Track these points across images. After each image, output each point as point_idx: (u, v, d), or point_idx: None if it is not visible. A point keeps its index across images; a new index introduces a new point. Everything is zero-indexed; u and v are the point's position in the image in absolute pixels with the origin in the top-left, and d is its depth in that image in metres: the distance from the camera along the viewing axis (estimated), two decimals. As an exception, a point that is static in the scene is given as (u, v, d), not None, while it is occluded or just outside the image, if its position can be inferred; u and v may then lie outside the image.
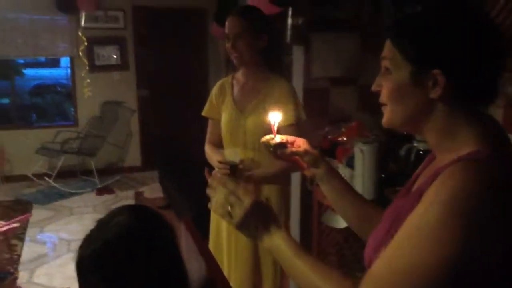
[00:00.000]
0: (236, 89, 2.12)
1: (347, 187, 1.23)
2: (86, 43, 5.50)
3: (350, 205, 1.20)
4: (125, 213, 1.01)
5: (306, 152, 1.23)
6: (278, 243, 0.96)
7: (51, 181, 5.41)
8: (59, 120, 7.97)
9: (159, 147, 5.99)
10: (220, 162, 1.89)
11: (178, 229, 1.23)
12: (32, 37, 5.62)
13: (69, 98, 6.22)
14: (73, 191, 5.33)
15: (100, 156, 5.77)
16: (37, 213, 4.70)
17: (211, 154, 2.14)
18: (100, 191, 5.33)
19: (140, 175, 5.93)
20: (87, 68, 5.70)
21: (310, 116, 2.15)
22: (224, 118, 2.12)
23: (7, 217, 3.91)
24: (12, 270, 3.27)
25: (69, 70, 6.41)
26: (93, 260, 0.95)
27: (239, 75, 2.12)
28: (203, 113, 2.23)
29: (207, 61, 6.20)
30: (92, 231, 1.01)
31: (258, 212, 0.98)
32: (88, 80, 5.72)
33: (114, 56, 5.82)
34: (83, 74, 5.70)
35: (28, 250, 3.94)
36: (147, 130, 6.15)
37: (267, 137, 1.30)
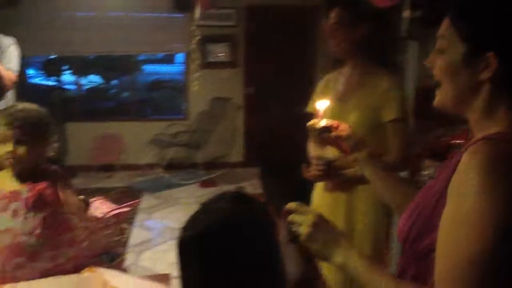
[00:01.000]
0: (340, 83, 2.04)
1: (387, 170, 1.31)
2: (199, 40, 5.71)
3: (390, 186, 1.27)
4: (228, 199, 1.00)
5: (349, 136, 1.33)
6: (353, 259, 0.97)
7: (160, 171, 5.71)
8: (171, 113, 8.40)
9: (262, 144, 6.05)
10: (315, 158, 1.82)
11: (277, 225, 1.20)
12: (150, 34, 5.96)
13: (181, 93, 6.53)
14: (180, 182, 5.57)
15: (207, 150, 5.97)
16: (146, 201, 4.98)
17: (311, 150, 2.08)
18: (205, 184, 5.52)
19: (243, 171, 6.04)
20: (199, 64, 5.91)
21: (422, 117, 2.00)
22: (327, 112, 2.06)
23: (120, 202, 4.19)
24: (120, 252, 3.48)
25: (182, 66, 6.73)
26: (194, 242, 0.95)
27: (345, 69, 2.04)
28: (307, 109, 2.18)
29: (315, 59, 6.13)
30: (195, 214, 1.01)
31: (325, 226, 1.01)
32: (200, 76, 5.93)
33: (224, 54, 5.98)
34: (195, 70, 5.93)
35: (135, 235, 4.18)
36: (252, 126, 6.24)
37: (313, 120, 1.37)
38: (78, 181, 5.71)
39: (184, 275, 0.97)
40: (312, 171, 1.77)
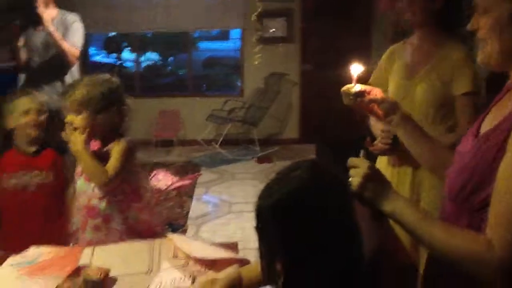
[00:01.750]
0: (407, 54, 1.98)
1: (421, 131, 1.33)
2: (256, 15, 5.69)
3: (424, 147, 1.30)
4: (304, 168, 1.00)
5: (383, 99, 1.35)
6: (401, 206, 1.02)
7: (217, 146, 5.82)
8: (227, 90, 8.48)
9: (318, 120, 6.01)
10: (383, 131, 1.80)
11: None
12: (207, 10, 6.01)
13: (236, 70, 6.56)
14: (236, 158, 5.66)
15: (262, 126, 6.01)
16: (204, 175, 5.10)
17: (374, 123, 2.05)
18: (260, 160, 5.57)
19: (298, 147, 6.03)
20: (256, 40, 5.91)
21: (494, 91, 1.92)
22: (392, 85, 2.00)
23: (181, 176, 4.33)
24: (182, 223, 3.61)
25: (237, 43, 6.75)
26: (272, 211, 0.96)
27: (413, 39, 1.97)
28: (369, 81, 2.14)
29: (370, 36, 5.98)
30: (271, 182, 1.01)
31: (375, 177, 1.06)
32: (256, 52, 5.94)
33: (281, 29, 5.94)
34: (251, 46, 5.94)
35: (195, 208, 4.30)
36: (307, 103, 6.20)
37: (348, 86, 1.37)
38: (138, 156, 5.91)
39: (262, 242, 0.99)
40: (378, 144, 1.75)
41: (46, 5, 3.36)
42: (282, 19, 5.91)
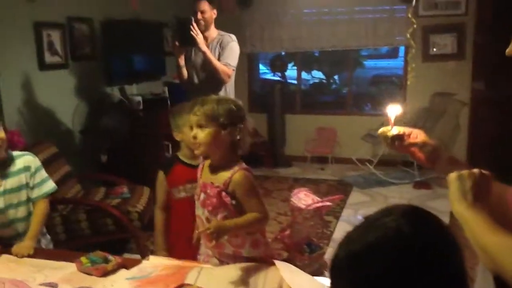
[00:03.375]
0: None
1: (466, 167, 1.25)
2: (414, 31, 5.34)
3: None
4: (395, 214, 0.84)
5: (424, 143, 1.30)
6: (471, 214, 0.98)
7: (372, 167, 5.58)
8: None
9: (488, 145, 5.36)
10: None
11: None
12: (373, 28, 5.85)
13: (400, 89, 6.25)
14: (391, 180, 5.35)
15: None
16: (355, 196, 4.93)
17: None
18: (418, 185, 5.18)
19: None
20: (421, 57, 5.55)
21: None
22: None
23: (328, 195, 4.24)
24: (321, 244, 3.51)
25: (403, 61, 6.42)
26: (347, 262, 0.82)
27: None
28: None
29: None
30: (355, 229, 0.88)
31: (468, 179, 1.04)
32: (421, 70, 5.57)
33: (450, 45, 5.47)
34: (415, 64, 5.59)
35: (340, 229, 4.17)
36: (478, 125, 5.58)
37: (384, 128, 1.33)
38: (292, 171, 6.01)
39: None
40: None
41: (206, 27, 3.62)
42: (451, 34, 5.44)
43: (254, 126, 5.93)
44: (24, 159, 2.04)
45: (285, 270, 1.52)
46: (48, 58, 4.10)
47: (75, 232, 3.40)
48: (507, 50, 1.10)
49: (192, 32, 3.46)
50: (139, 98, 4.79)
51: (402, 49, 8.61)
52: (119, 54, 4.89)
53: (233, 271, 1.57)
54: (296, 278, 1.50)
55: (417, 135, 1.33)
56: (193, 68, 3.76)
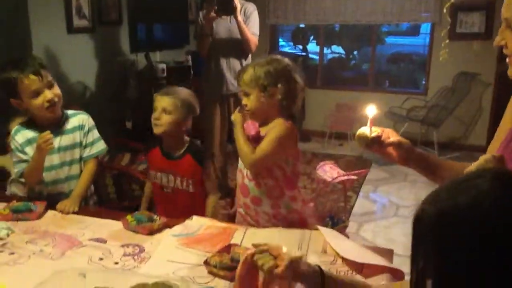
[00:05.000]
0: None
1: (437, 162, 1.38)
2: (449, 9, 5.26)
3: (443, 174, 1.35)
4: (488, 177, 0.81)
5: (399, 142, 1.35)
6: None
7: (391, 145, 5.56)
8: (409, 87, 8.08)
9: (512, 128, 5.33)
10: None
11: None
12: (397, 3, 5.76)
13: (421, 68, 6.20)
14: (411, 159, 5.35)
15: (444, 128, 5.57)
16: (374, 172, 4.95)
17: None
18: (438, 164, 5.17)
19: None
20: (447, 35, 5.48)
21: None
22: None
23: (349, 170, 4.26)
24: (344, 218, 3.55)
25: (426, 39, 6.35)
26: (435, 220, 0.80)
27: None
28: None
29: None
30: (442, 187, 0.85)
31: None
32: (446, 49, 5.50)
33: (478, 24, 5.39)
34: (441, 42, 5.51)
35: (359, 204, 4.21)
36: (501, 108, 5.52)
37: (363, 130, 1.34)
38: (310, 146, 6.02)
39: (416, 253, 0.85)
40: None
41: None
42: (480, 12, 5.35)
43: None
44: (78, 118, 2.07)
45: (329, 235, 1.56)
46: (76, 21, 4.10)
47: (102, 196, 3.45)
48: (495, 42, 1.16)
49: (234, 0, 3.44)
50: (163, 66, 4.80)
51: (424, 26, 8.52)
52: (144, 20, 4.88)
53: (277, 233, 1.61)
54: (340, 242, 1.53)
55: (389, 134, 1.36)
56: (215, 38, 3.74)
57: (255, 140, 1.83)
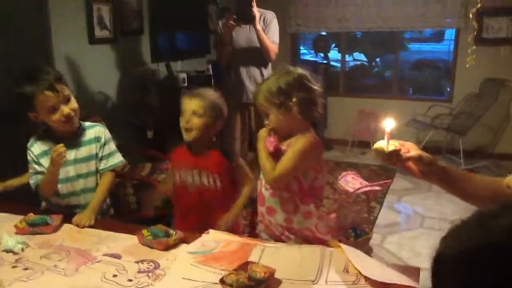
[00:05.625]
0: None
1: (461, 174, 1.33)
2: (475, 14, 5.12)
3: (466, 188, 1.30)
4: None
5: (420, 157, 1.28)
6: None
7: (416, 153, 5.43)
8: (434, 94, 7.92)
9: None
10: None
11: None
12: (421, 9, 5.65)
13: (446, 75, 6.06)
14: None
15: (470, 136, 5.42)
16: (398, 182, 4.82)
17: None
18: (464, 173, 5.03)
19: (511, 164, 5.27)
20: (473, 41, 5.34)
21: None
22: None
23: (371, 180, 4.16)
24: (367, 229, 3.45)
25: (451, 45, 6.21)
26: (460, 262, 0.71)
27: None
28: None
29: None
30: (465, 223, 0.75)
31: None
32: (470, 58, 5.35)
33: (505, 29, 5.24)
34: (467, 48, 5.37)
35: (383, 215, 4.10)
36: (531, 115, 5.36)
37: (380, 144, 1.30)
38: (333, 154, 5.93)
39: None
40: None
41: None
42: (508, 17, 5.20)
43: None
44: (95, 130, 2.05)
45: (351, 253, 1.48)
46: (98, 32, 4.12)
47: (122, 206, 3.44)
48: None
49: (253, 8, 3.41)
50: (184, 75, 4.79)
51: (448, 32, 8.36)
52: (165, 30, 4.89)
53: (297, 251, 1.54)
54: (363, 261, 1.46)
55: (409, 149, 1.31)
56: (235, 47, 3.71)
57: (275, 156, 1.79)
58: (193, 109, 1.94)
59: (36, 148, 1.96)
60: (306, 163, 1.76)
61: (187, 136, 1.96)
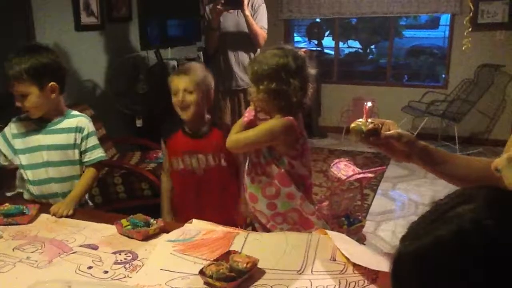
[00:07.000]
0: None
1: (442, 155, 1.25)
2: (470, -2, 5.03)
3: (449, 169, 1.24)
4: (477, 201, 0.66)
5: (399, 135, 1.21)
6: None
7: (410, 140, 5.38)
8: (429, 81, 7.85)
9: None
10: None
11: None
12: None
13: (441, 61, 5.98)
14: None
15: (465, 122, 5.35)
16: (393, 170, 4.76)
17: None
18: (459, 160, 4.97)
19: (508, 151, 5.21)
20: (468, 26, 5.25)
21: None
22: None
23: (365, 167, 4.09)
24: (360, 217, 3.39)
25: (447, 32, 6.12)
26: (414, 260, 0.67)
27: None
28: None
29: None
30: (422, 218, 0.70)
31: None
32: (467, 40, 5.27)
33: (500, 13, 5.15)
34: (462, 33, 5.29)
35: (377, 203, 4.04)
36: (526, 100, 5.30)
37: (358, 122, 1.21)
38: (327, 142, 5.86)
39: None
40: None
41: None
42: (503, 2, 5.11)
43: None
44: (77, 120, 1.97)
45: (338, 240, 1.41)
46: (84, 18, 4.01)
47: (111, 195, 3.37)
48: None
49: None
50: (174, 63, 4.69)
51: (443, 18, 8.26)
52: (155, 17, 4.78)
53: (282, 239, 1.46)
54: (351, 248, 1.39)
55: (389, 127, 1.22)
56: (224, 32, 3.64)
57: (248, 127, 1.78)
58: (184, 87, 1.92)
59: (14, 127, 1.92)
60: (270, 141, 1.74)
61: (185, 115, 1.94)
